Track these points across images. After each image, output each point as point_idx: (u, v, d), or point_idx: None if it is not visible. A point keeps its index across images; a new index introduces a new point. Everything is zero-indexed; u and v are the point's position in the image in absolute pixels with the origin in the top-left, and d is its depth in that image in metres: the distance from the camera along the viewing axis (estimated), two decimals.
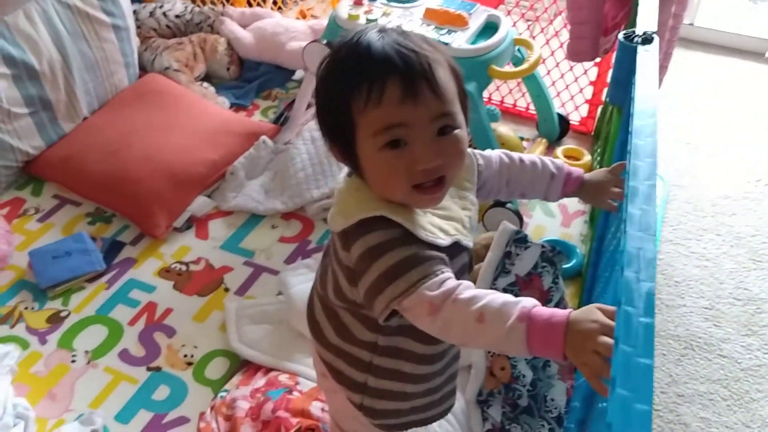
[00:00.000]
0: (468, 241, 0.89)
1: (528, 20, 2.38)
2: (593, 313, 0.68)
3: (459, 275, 0.86)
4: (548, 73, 2.31)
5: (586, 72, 2.25)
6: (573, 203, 2.02)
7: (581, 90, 2.29)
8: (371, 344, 0.93)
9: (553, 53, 2.29)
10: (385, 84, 0.76)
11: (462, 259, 0.90)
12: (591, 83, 2.25)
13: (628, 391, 0.53)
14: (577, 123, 2.33)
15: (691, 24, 2.91)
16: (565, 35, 2.20)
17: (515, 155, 1.01)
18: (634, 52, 1.06)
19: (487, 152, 1.00)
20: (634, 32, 1.10)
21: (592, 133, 2.30)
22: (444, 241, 0.83)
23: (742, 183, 2.18)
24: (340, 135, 0.83)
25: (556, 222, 1.96)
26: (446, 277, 0.78)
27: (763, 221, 2.03)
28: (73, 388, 1.48)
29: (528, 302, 0.72)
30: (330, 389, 1.05)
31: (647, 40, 1.08)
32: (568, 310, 0.70)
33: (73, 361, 1.53)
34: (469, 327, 0.74)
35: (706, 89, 2.67)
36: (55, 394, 1.46)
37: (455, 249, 0.86)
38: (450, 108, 0.80)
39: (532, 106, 2.31)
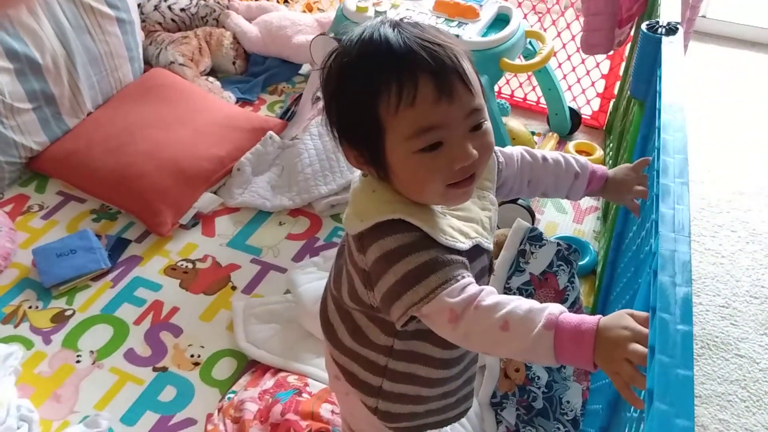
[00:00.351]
0: (488, 244, 0.86)
1: (538, 12, 2.33)
2: (624, 319, 0.64)
3: (479, 278, 0.83)
4: (559, 66, 2.28)
5: (598, 65, 2.21)
6: (585, 199, 1.99)
7: (593, 83, 2.25)
8: (387, 348, 0.89)
9: (564, 46, 2.25)
10: (417, 82, 0.72)
11: (482, 261, 0.86)
12: (603, 76, 2.21)
13: (668, 406, 0.50)
14: (588, 117, 2.29)
15: (704, 16, 2.86)
16: (576, 28, 2.16)
17: (538, 153, 0.97)
18: (658, 43, 1.03)
19: (508, 149, 0.96)
20: (657, 22, 1.06)
21: (604, 128, 2.27)
22: (464, 244, 0.79)
23: (757, 178, 2.14)
24: (362, 140, 0.78)
25: (568, 218, 1.93)
26: (467, 283, 0.75)
27: None
28: (78, 389, 1.45)
29: (555, 309, 0.69)
30: (343, 392, 1.02)
31: (672, 30, 1.04)
32: (598, 317, 0.67)
33: (78, 362, 1.51)
34: (493, 335, 0.70)
35: (718, 83, 2.62)
36: (60, 395, 1.44)
37: (475, 252, 0.82)
38: (481, 101, 0.76)
39: (542, 100, 2.27)
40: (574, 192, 0.98)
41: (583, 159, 0.98)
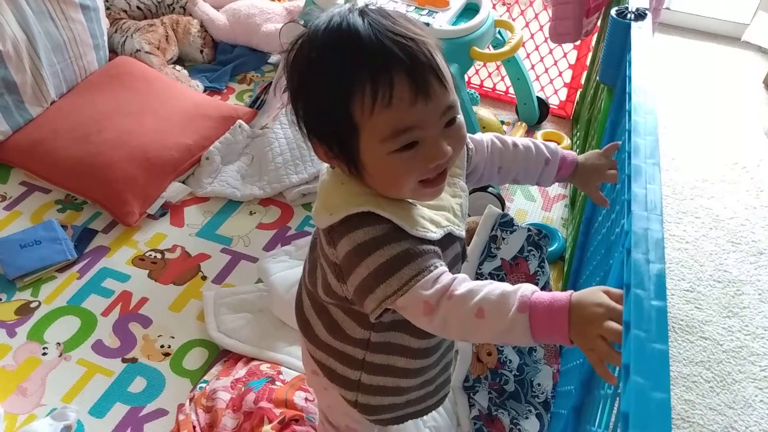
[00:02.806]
0: (460, 231, 0.85)
1: (507, 3, 2.35)
2: (598, 295, 0.64)
3: (452, 266, 0.82)
4: (527, 56, 2.29)
5: (565, 55, 2.23)
6: (554, 186, 2.01)
7: (560, 74, 2.27)
8: (364, 341, 0.89)
9: (532, 36, 2.27)
10: (393, 82, 0.69)
11: (454, 249, 0.85)
12: (570, 66, 2.24)
13: (645, 379, 0.51)
14: (556, 107, 2.32)
15: (668, 8, 2.91)
16: (544, 18, 2.18)
17: (509, 139, 0.96)
18: (627, 28, 1.04)
19: (478, 136, 0.95)
20: (626, 8, 1.08)
21: (571, 117, 2.29)
22: (436, 234, 0.78)
23: (720, 166, 2.19)
24: (332, 137, 0.75)
25: (536, 206, 1.95)
26: (440, 272, 0.74)
27: (740, 204, 2.04)
28: (45, 382, 1.42)
29: (527, 289, 0.69)
30: (321, 387, 1.00)
31: (640, 16, 1.05)
32: (569, 293, 0.67)
33: (45, 354, 1.48)
34: (469, 323, 0.70)
35: (682, 73, 2.67)
36: (26, 388, 1.40)
37: (448, 240, 0.82)
38: (454, 96, 0.74)
39: (511, 90, 2.29)
40: (545, 178, 0.98)
41: (553, 145, 0.97)
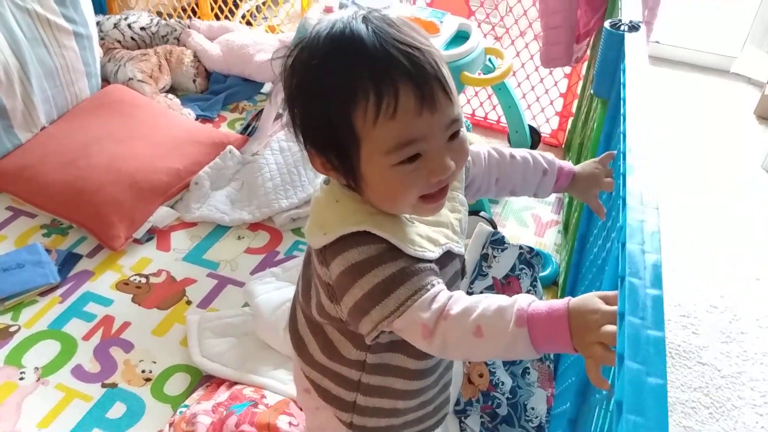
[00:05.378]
0: (459, 248, 0.82)
1: (497, 32, 2.37)
2: (593, 302, 0.62)
3: (452, 283, 0.79)
4: (518, 85, 2.30)
5: (556, 84, 2.24)
6: (546, 213, 1.99)
7: (551, 102, 2.28)
8: (360, 362, 0.85)
9: (523, 65, 2.28)
10: (398, 93, 0.66)
11: (454, 266, 0.82)
12: (561, 95, 2.25)
13: (640, 364, 0.48)
14: (547, 136, 2.32)
15: (657, 42, 2.95)
16: (534, 47, 2.20)
17: (506, 150, 0.94)
18: (621, 39, 1.03)
19: (475, 148, 0.93)
20: (620, 20, 1.08)
21: (563, 146, 2.29)
22: (433, 253, 0.75)
23: (714, 194, 2.18)
24: (332, 148, 0.72)
25: (529, 231, 1.93)
26: (437, 291, 0.71)
27: (733, 230, 2.02)
28: (20, 407, 1.36)
29: (524, 301, 0.66)
30: (313, 406, 0.96)
31: (634, 27, 1.05)
32: (567, 299, 0.64)
33: (22, 379, 1.42)
34: (469, 343, 0.67)
35: (673, 105, 2.69)
36: (0, 413, 1.35)
37: (447, 258, 0.79)
38: (459, 110, 0.72)
39: (503, 119, 2.29)
40: (543, 189, 0.96)
41: (550, 155, 0.96)
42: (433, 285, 0.71)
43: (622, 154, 0.76)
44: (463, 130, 0.73)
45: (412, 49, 0.67)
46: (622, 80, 0.91)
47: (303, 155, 0.77)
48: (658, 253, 0.58)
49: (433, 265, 0.74)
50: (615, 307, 0.60)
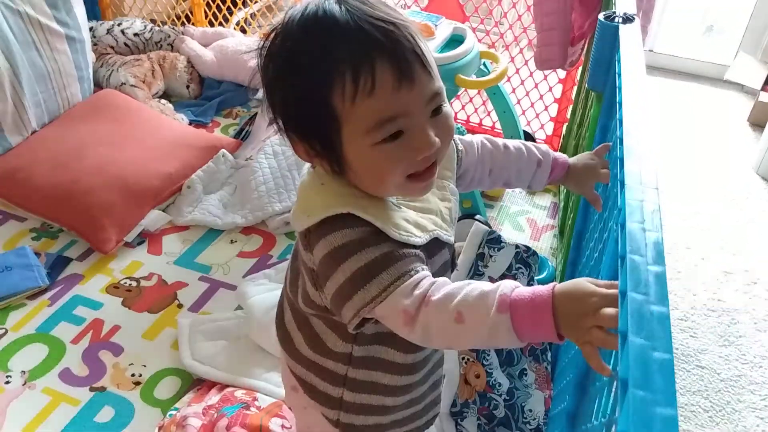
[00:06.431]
0: (449, 236, 0.80)
1: (492, 37, 2.37)
2: (586, 286, 0.59)
3: (441, 274, 0.76)
4: (513, 91, 2.30)
5: (551, 89, 2.23)
6: (542, 217, 1.98)
7: (546, 108, 2.27)
8: (346, 355, 0.83)
9: (518, 71, 2.27)
10: (374, 68, 0.65)
11: (443, 256, 0.80)
12: (556, 101, 2.24)
13: (644, 339, 0.46)
14: (542, 141, 2.31)
15: (651, 50, 2.96)
16: (529, 53, 2.19)
17: (499, 141, 0.92)
18: (615, 31, 1.03)
19: (468, 137, 0.92)
20: (614, 12, 1.07)
21: (558, 151, 2.28)
22: (420, 239, 0.73)
23: (709, 201, 2.17)
24: (313, 132, 0.71)
25: (525, 236, 1.91)
26: (421, 277, 0.68)
27: (730, 235, 2.01)
28: (6, 411, 1.33)
29: (507, 287, 0.64)
30: (301, 405, 0.94)
31: (628, 19, 1.04)
32: (551, 285, 0.62)
33: (8, 382, 1.39)
34: (450, 330, 0.65)
35: (667, 113, 2.69)
36: None
37: (435, 246, 0.77)
38: (440, 84, 0.70)
39: (497, 125, 2.28)
40: (537, 180, 0.94)
41: (544, 146, 0.94)
42: (417, 271, 0.69)
43: (619, 140, 0.74)
44: (447, 106, 0.72)
45: (386, 24, 0.66)
46: (617, 70, 0.90)
47: (297, 159, 0.75)
48: (660, 231, 0.56)
49: (418, 252, 0.72)
50: (615, 291, 0.58)
